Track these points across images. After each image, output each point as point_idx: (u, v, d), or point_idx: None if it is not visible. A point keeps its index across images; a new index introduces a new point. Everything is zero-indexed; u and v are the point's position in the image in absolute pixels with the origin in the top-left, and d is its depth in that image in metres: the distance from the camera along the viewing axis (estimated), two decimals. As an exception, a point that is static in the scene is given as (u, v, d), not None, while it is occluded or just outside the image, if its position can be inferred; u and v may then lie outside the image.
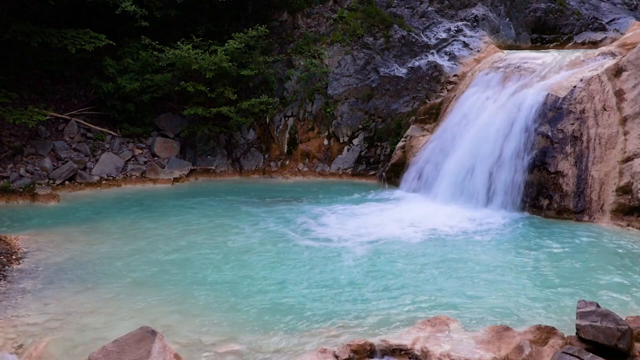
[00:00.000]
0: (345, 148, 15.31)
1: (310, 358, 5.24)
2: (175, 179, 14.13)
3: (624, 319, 5.00)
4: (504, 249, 8.90)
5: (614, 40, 15.01)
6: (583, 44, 16.25)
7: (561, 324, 5.85)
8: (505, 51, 15.12)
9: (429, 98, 14.96)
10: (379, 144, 15.14)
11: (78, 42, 13.34)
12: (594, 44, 15.87)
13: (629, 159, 10.28)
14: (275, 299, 6.86)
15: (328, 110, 15.46)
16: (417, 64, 15.40)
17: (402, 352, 5.30)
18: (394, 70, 15.43)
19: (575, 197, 10.64)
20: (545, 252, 8.64)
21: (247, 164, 15.39)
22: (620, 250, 8.73)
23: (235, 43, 14.39)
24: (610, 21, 16.61)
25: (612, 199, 10.24)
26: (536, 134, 11.37)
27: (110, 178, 13.62)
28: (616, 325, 4.80)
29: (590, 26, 16.58)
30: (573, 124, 11.10)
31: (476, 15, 16.11)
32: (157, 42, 14.69)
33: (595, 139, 10.80)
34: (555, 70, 12.42)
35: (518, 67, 13.17)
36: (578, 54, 12.99)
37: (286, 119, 15.68)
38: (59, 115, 14.46)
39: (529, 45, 16.63)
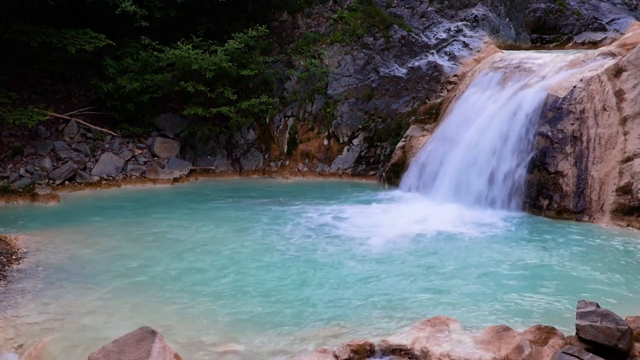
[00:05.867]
0: (345, 148, 15.31)
1: (310, 358, 5.24)
2: (175, 179, 14.12)
3: (624, 319, 5.00)
4: (503, 249, 8.89)
5: (614, 40, 15.01)
6: (583, 44, 16.26)
7: (561, 324, 5.84)
8: (505, 51, 15.12)
9: (429, 98, 14.96)
10: (379, 144, 15.14)
11: (78, 42, 13.33)
12: (594, 44, 15.87)
13: (629, 159, 10.28)
14: (275, 299, 6.86)
15: (328, 110, 15.46)
16: (417, 64, 15.40)
17: (402, 352, 5.30)
18: (394, 70, 15.43)
19: (575, 197, 10.65)
20: (545, 252, 8.64)
21: (247, 164, 15.39)
22: (620, 250, 8.74)
23: (235, 43, 14.39)
24: (610, 21, 16.61)
25: (612, 199, 10.25)
26: (536, 134, 11.37)
27: (110, 178, 13.61)
28: (616, 325, 4.80)
29: (590, 26, 16.58)
30: (573, 124, 11.10)
31: (476, 16, 16.11)
32: (157, 42, 14.69)
33: (595, 139, 10.80)
34: (555, 70, 12.42)
35: (518, 67, 13.17)
36: (578, 54, 12.99)
37: (286, 119, 15.68)
38: (59, 115, 14.45)
39: (529, 45, 16.63)
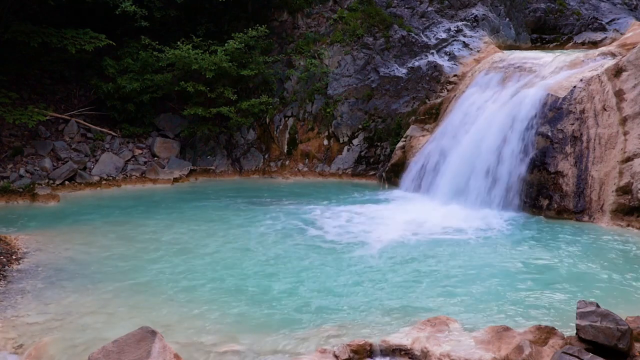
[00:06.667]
0: (345, 148, 15.31)
1: (310, 358, 5.24)
2: (175, 179, 14.13)
3: (623, 319, 5.00)
4: (503, 249, 8.90)
5: (614, 40, 15.01)
6: (583, 44, 16.26)
7: (561, 324, 5.85)
8: (505, 51, 15.12)
9: (429, 98, 14.96)
10: (379, 144, 15.14)
11: (78, 42, 13.33)
12: (594, 44, 15.87)
13: (629, 159, 10.28)
14: (275, 299, 6.86)
15: (328, 110, 15.46)
16: (417, 64, 15.40)
17: (402, 352, 5.30)
18: (394, 70, 15.43)
19: (575, 197, 10.65)
20: (545, 252, 8.64)
21: (247, 164, 15.39)
22: (620, 250, 8.73)
23: (235, 43, 14.39)
24: (610, 21, 16.62)
25: (612, 199, 10.24)
26: (536, 134, 11.37)
27: (110, 178, 13.61)
28: (616, 326, 4.80)
29: (590, 26, 16.58)
30: (573, 124, 11.10)
31: (476, 16, 16.11)
32: (157, 42, 14.69)
33: (595, 139, 10.80)
34: (555, 70, 12.42)
35: (518, 67, 13.17)
36: (578, 54, 12.99)
37: (286, 119, 15.68)
38: (59, 115, 14.45)
39: (529, 45, 16.62)
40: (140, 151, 14.77)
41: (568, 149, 10.97)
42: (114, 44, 14.10)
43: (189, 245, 9.04)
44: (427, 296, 6.95)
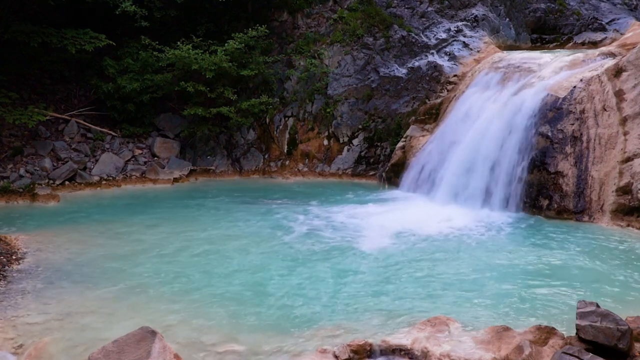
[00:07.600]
0: (345, 148, 15.31)
1: (310, 358, 5.24)
2: (175, 179, 14.13)
3: (623, 319, 5.00)
4: (503, 249, 8.90)
5: (613, 40, 15.02)
6: (583, 44, 16.26)
7: (561, 324, 5.85)
8: (505, 51, 15.12)
9: (429, 98, 14.96)
10: (379, 144, 15.14)
11: (78, 42, 13.34)
12: (594, 44, 15.87)
13: (629, 159, 10.29)
14: (274, 300, 6.86)
15: (328, 110, 15.46)
16: (417, 64, 15.40)
17: (402, 352, 5.30)
18: (394, 70, 15.43)
19: (575, 198, 10.65)
20: (545, 252, 8.64)
21: (247, 164, 15.39)
22: (620, 250, 8.74)
23: (235, 43, 14.39)
24: (610, 21, 16.61)
25: (612, 199, 10.25)
26: (536, 134, 11.37)
27: (110, 178, 13.61)
28: (616, 326, 4.80)
29: (590, 26, 16.58)
30: (573, 124, 11.10)
31: (476, 16, 16.11)
32: (157, 42, 14.69)
33: (595, 139, 10.80)
34: (555, 70, 12.42)
35: (518, 67, 13.17)
36: (578, 54, 12.99)
37: (286, 119, 15.68)
38: (59, 115, 14.45)
39: (529, 46, 16.63)
40: (140, 151, 14.77)
41: (568, 149, 10.97)
42: (114, 44, 14.10)
43: (189, 246, 9.03)
44: (426, 296, 6.95)
